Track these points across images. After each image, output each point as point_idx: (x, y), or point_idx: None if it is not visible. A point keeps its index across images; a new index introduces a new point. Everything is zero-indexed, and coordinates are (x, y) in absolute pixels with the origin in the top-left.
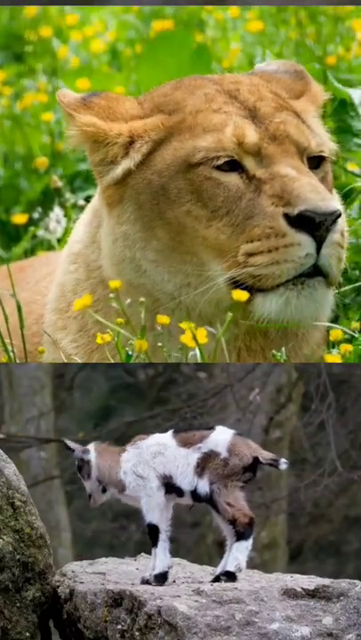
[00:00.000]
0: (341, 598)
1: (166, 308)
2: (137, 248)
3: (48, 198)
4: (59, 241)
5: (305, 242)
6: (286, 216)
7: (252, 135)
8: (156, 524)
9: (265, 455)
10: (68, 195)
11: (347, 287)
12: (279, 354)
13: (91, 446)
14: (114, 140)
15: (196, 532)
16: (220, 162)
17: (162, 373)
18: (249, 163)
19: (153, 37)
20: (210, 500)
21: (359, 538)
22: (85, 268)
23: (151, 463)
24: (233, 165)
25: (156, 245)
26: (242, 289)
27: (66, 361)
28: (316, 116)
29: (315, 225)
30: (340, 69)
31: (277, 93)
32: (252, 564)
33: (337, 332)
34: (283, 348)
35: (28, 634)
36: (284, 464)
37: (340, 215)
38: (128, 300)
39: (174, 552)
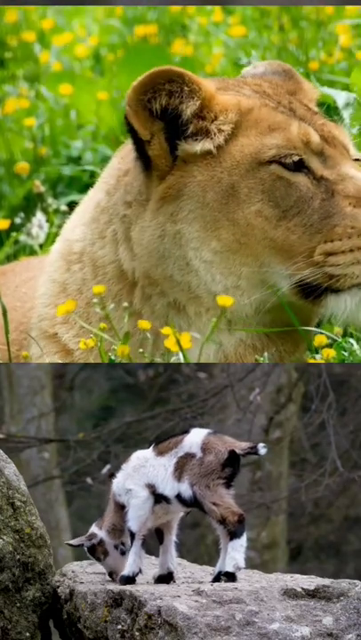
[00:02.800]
0: (342, 598)
1: (200, 305)
2: (190, 247)
3: (30, 203)
4: (41, 246)
5: None
6: None
7: (315, 135)
8: (134, 532)
9: (241, 446)
10: (50, 200)
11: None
12: (262, 358)
13: (93, 528)
14: (212, 109)
15: (196, 533)
16: (290, 160)
17: (162, 374)
18: (314, 163)
19: (131, 46)
20: (195, 502)
21: (359, 538)
22: (92, 266)
23: (136, 477)
24: (299, 166)
25: (215, 246)
26: (310, 290)
27: (55, 361)
28: None
29: None
30: (323, 74)
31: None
32: (252, 564)
33: (321, 337)
34: (265, 353)
35: (27, 634)
36: (262, 449)
37: None
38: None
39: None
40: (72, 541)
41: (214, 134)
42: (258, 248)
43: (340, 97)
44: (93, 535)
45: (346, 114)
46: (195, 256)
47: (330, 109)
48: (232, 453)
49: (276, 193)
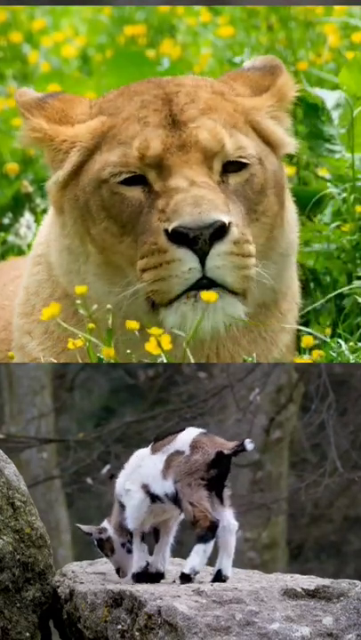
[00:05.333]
0: (342, 598)
1: (115, 317)
2: (81, 262)
3: (18, 204)
4: (29, 246)
5: (185, 257)
6: (166, 232)
7: (155, 147)
8: (132, 530)
9: (229, 446)
10: (38, 200)
11: (323, 299)
12: (250, 358)
13: (105, 523)
14: (58, 147)
15: None
16: (122, 178)
17: (162, 374)
18: (151, 176)
19: (120, 47)
20: (175, 499)
21: (359, 538)
22: (47, 267)
23: (134, 477)
24: (137, 179)
25: (93, 259)
26: (152, 303)
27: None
28: (273, 112)
29: (191, 239)
30: (311, 74)
31: (225, 93)
32: (252, 564)
33: (308, 338)
34: (254, 354)
35: (27, 634)
36: (249, 444)
37: (222, 226)
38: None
39: (175, 552)
40: (83, 527)
41: (65, 164)
42: (117, 261)
43: (330, 98)
44: (104, 529)
45: (335, 114)
46: (86, 270)
47: (317, 111)
48: (220, 454)
49: (114, 209)
